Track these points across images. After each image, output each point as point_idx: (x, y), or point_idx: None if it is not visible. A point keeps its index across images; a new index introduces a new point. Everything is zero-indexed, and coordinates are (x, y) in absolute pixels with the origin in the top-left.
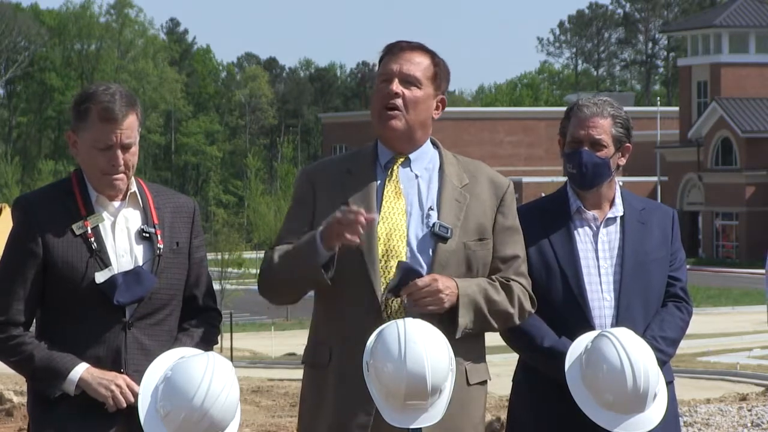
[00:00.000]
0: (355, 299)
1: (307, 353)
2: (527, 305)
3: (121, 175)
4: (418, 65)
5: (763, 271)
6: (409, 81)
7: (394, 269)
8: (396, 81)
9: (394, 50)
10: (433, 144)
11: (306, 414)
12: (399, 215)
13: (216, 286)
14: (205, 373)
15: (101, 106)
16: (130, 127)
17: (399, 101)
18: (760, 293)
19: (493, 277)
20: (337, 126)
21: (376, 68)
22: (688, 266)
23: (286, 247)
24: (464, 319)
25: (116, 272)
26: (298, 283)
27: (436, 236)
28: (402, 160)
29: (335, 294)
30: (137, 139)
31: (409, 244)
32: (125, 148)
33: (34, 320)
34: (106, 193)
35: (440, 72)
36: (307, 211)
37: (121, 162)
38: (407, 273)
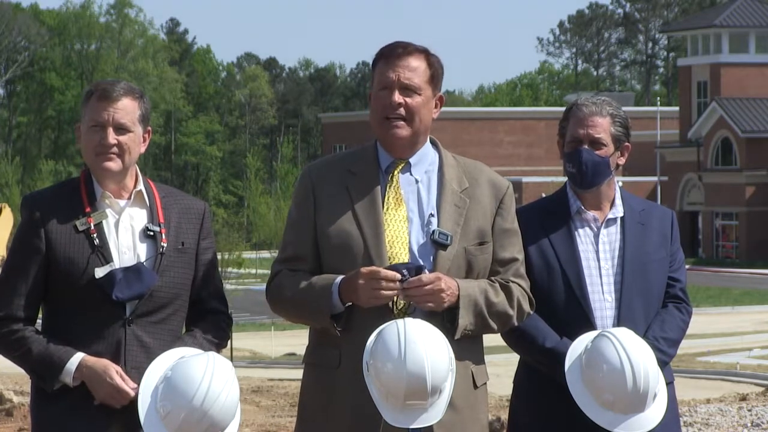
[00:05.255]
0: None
1: (312, 354)
2: (526, 307)
3: (114, 157)
4: (416, 71)
5: (763, 271)
6: (408, 89)
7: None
8: (396, 91)
9: (391, 57)
10: (433, 144)
11: (311, 415)
12: (401, 222)
13: None
14: (205, 373)
15: (100, 87)
16: (125, 109)
17: (402, 110)
18: (761, 293)
19: (493, 278)
20: (337, 126)
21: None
22: (687, 266)
23: (298, 281)
24: (464, 320)
25: (116, 268)
26: (308, 322)
27: (435, 243)
28: (402, 165)
29: None
30: (138, 130)
31: (411, 251)
32: (119, 129)
33: (41, 315)
34: (102, 179)
35: (436, 71)
36: (308, 217)
37: (113, 141)
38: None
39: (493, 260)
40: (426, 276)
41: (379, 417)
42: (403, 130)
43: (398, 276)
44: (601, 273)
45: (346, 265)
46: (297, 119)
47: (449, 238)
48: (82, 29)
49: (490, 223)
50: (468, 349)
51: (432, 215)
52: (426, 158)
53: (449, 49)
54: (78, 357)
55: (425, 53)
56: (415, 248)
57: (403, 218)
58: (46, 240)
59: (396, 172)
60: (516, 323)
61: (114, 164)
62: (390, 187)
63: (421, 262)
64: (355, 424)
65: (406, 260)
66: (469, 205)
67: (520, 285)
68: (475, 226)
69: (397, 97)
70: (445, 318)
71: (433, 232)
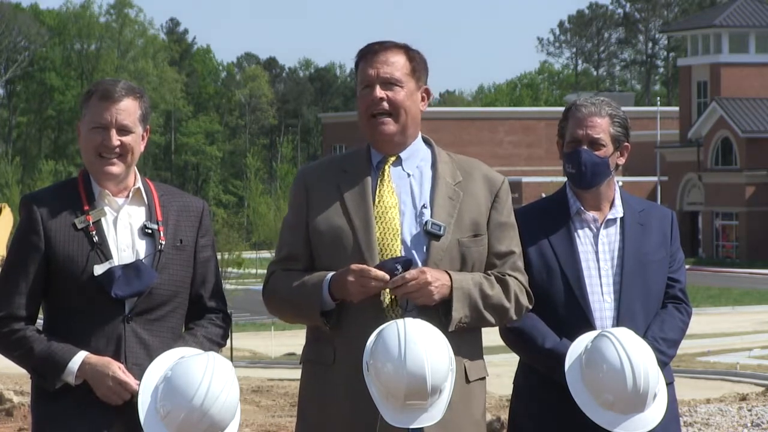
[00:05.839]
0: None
1: (308, 351)
2: (524, 301)
3: (116, 160)
4: (394, 65)
5: (763, 271)
6: (390, 83)
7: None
8: (377, 86)
9: (369, 55)
10: (426, 142)
11: (309, 411)
12: (392, 214)
13: None
14: (205, 373)
15: (102, 87)
16: (128, 110)
17: (385, 105)
18: (761, 293)
19: (489, 272)
20: (337, 126)
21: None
22: (687, 266)
23: (291, 280)
24: (458, 313)
25: (116, 265)
26: (302, 320)
27: (428, 234)
28: (393, 159)
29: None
30: (139, 130)
31: (403, 242)
32: (122, 130)
33: (42, 313)
34: (102, 181)
35: (417, 65)
36: (301, 219)
37: (116, 143)
38: (406, 263)
39: (489, 254)
40: (410, 273)
41: (376, 413)
42: (390, 126)
43: (387, 277)
44: (600, 274)
45: (338, 260)
46: (297, 119)
47: (442, 229)
48: (82, 29)
49: (485, 217)
50: (463, 344)
51: (425, 206)
52: (417, 154)
53: (450, 49)
54: (80, 356)
55: (404, 48)
56: (407, 239)
57: (395, 210)
58: (46, 238)
59: (387, 167)
60: (515, 317)
61: (116, 168)
62: (381, 180)
63: (414, 254)
64: (353, 420)
65: (398, 252)
66: (463, 198)
67: (517, 278)
68: (468, 218)
69: (379, 92)
70: (440, 311)
71: (426, 222)
